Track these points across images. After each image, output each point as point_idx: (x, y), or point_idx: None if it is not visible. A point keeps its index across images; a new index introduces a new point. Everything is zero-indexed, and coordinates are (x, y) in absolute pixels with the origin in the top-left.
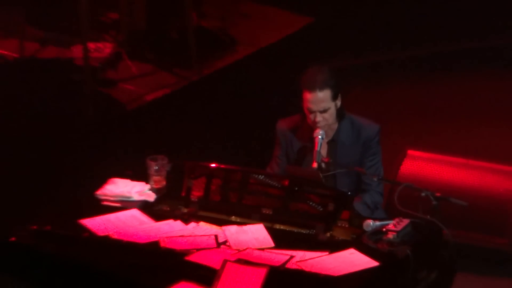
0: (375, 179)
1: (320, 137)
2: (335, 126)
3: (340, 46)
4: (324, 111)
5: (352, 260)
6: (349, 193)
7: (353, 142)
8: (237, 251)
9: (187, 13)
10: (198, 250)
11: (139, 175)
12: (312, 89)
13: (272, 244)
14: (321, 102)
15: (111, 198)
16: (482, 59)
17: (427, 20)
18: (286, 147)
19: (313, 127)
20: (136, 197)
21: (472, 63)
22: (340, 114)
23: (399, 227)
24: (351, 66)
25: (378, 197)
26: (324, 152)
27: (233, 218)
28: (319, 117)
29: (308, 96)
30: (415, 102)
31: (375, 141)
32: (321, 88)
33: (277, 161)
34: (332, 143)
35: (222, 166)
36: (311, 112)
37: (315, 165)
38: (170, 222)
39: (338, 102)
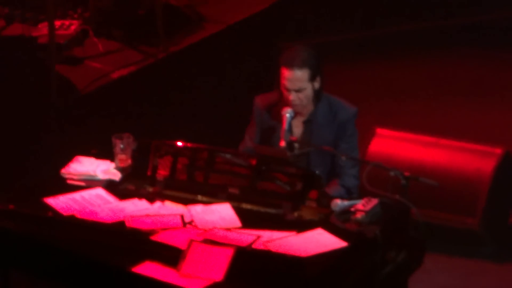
0: (343, 158)
1: (288, 115)
2: (311, 106)
3: (311, 23)
4: (300, 90)
5: (320, 240)
6: (317, 172)
7: (329, 122)
8: (203, 231)
9: None
10: (163, 229)
11: (105, 154)
12: (290, 66)
13: (239, 224)
14: (298, 81)
15: (76, 177)
16: (452, 37)
17: None
18: (261, 123)
19: (287, 104)
20: (101, 176)
21: (442, 41)
22: (317, 96)
23: (367, 207)
24: (321, 44)
25: (353, 181)
26: (299, 131)
27: (199, 197)
28: (293, 96)
29: (286, 73)
30: (384, 80)
31: (351, 123)
32: (300, 67)
33: (251, 136)
34: (307, 123)
35: (189, 144)
36: (287, 89)
37: (283, 143)
38: (135, 201)
39: (316, 84)
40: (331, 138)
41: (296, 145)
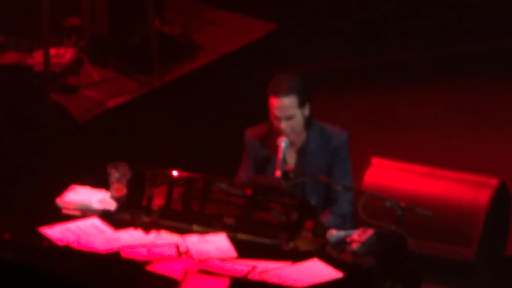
0: (339, 188)
1: (283, 144)
2: (303, 134)
3: (305, 53)
4: (290, 118)
5: (316, 271)
6: (313, 202)
7: (322, 150)
8: (198, 261)
9: (150, 19)
10: (159, 259)
11: (100, 183)
12: (277, 94)
13: (235, 254)
14: (286, 108)
15: (71, 206)
16: (446, 68)
17: (392, 28)
18: (254, 156)
19: (279, 134)
20: (96, 206)
21: (437, 72)
22: (309, 123)
23: (363, 237)
24: (315, 73)
25: (347, 207)
26: (292, 161)
27: (194, 227)
28: (284, 124)
29: (274, 102)
30: (379, 111)
31: (344, 149)
32: (287, 94)
33: (245, 170)
34: (300, 152)
35: (184, 174)
36: (277, 118)
37: (278, 173)
38: (131, 231)
39: (306, 111)
40: (324, 165)
41: (291, 174)
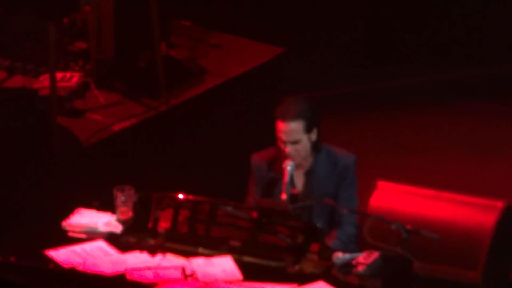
0: (345, 211)
1: (289, 167)
2: (311, 157)
3: (311, 76)
4: (296, 142)
5: None
6: (320, 225)
7: (329, 173)
8: (204, 284)
9: (156, 43)
10: (164, 282)
11: (106, 206)
12: (284, 119)
13: (240, 277)
14: (292, 133)
15: (77, 229)
16: (454, 91)
17: (398, 51)
18: (261, 180)
19: (285, 157)
20: (102, 228)
21: (444, 96)
22: (316, 147)
23: (369, 260)
24: (321, 97)
25: (352, 229)
26: (300, 183)
27: (200, 250)
28: (290, 148)
29: (280, 126)
30: (385, 134)
31: (351, 172)
32: (293, 119)
33: (253, 196)
34: (308, 175)
35: (190, 197)
36: (283, 142)
37: (284, 196)
38: (137, 253)
39: (313, 135)
40: (332, 188)
41: (297, 197)
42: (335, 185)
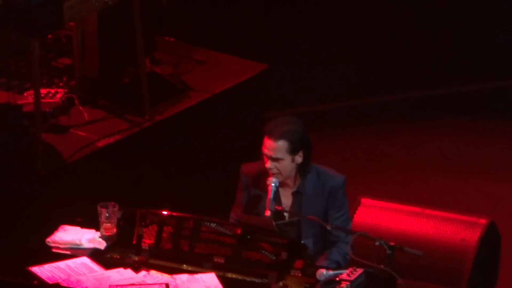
0: (329, 227)
1: (273, 184)
2: (298, 178)
3: (294, 92)
4: (277, 159)
5: None
6: (309, 244)
7: (318, 193)
8: None
9: (140, 59)
10: None
11: (90, 222)
12: (269, 135)
13: None
14: (275, 150)
15: (61, 246)
16: (436, 107)
17: (382, 67)
18: (247, 192)
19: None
20: (86, 245)
21: (427, 111)
22: (304, 170)
23: (352, 277)
24: (304, 113)
25: (346, 249)
26: (288, 203)
27: (184, 266)
28: (270, 164)
29: (265, 141)
30: (368, 151)
31: (340, 192)
32: (278, 138)
33: (240, 206)
34: (297, 194)
35: (174, 213)
36: (266, 156)
37: (268, 213)
38: (121, 270)
39: (299, 158)
40: (321, 209)
41: (285, 214)
42: (324, 205)
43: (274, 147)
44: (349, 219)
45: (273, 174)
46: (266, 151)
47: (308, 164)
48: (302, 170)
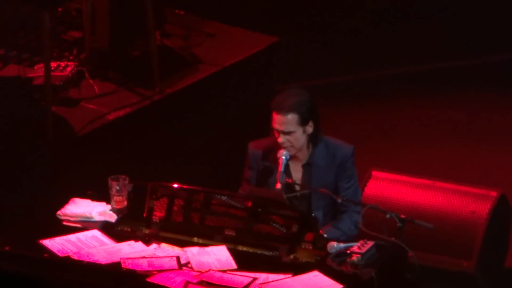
0: (339, 200)
1: (284, 157)
2: (309, 149)
3: (305, 65)
4: (289, 133)
5: (316, 283)
6: (319, 216)
7: (328, 164)
8: (199, 273)
9: (150, 32)
10: (159, 271)
11: (100, 195)
12: (279, 111)
13: (235, 266)
14: (286, 124)
15: (72, 219)
16: (447, 79)
17: (393, 39)
18: (257, 168)
19: (280, 147)
20: (97, 218)
21: (438, 84)
22: (314, 140)
23: (363, 249)
24: (315, 86)
25: (357, 216)
26: (299, 175)
27: (195, 239)
28: (282, 138)
29: (275, 116)
30: (380, 124)
31: (350, 162)
32: (287, 111)
33: (248, 184)
34: (307, 167)
35: (185, 186)
36: (277, 132)
37: (278, 186)
38: (131, 243)
39: (309, 128)
40: (331, 180)
41: (297, 187)
42: (334, 177)
43: (284, 121)
44: (358, 189)
45: (285, 148)
46: (277, 126)
47: (319, 133)
48: (313, 140)
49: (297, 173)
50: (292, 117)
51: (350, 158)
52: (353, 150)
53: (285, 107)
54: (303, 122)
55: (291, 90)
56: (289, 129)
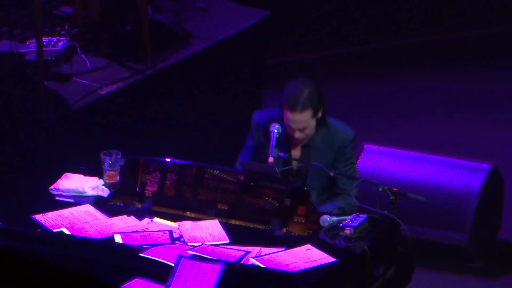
0: (331, 173)
1: (275, 131)
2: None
3: (297, 39)
4: (304, 128)
5: (309, 256)
6: (314, 194)
7: (327, 147)
8: (192, 247)
9: (142, 7)
10: (152, 246)
11: (93, 170)
12: (292, 109)
13: (228, 240)
14: (301, 121)
15: (64, 194)
16: (439, 52)
17: (384, 13)
18: (258, 138)
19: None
20: (89, 193)
21: (429, 57)
22: (322, 123)
23: (356, 223)
24: (307, 59)
25: (352, 201)
26: (297, 155)
27: (188, 213)
28: (298, 134)
29: (288, 115)
30: (372, 96)
31: (349, 148)
32: (302, 110)
33: (250, 152)
34: (306, 147)
35: (177, 161)
36: (291, 128)
37: (271, 160)
38: (124, 217)
39: (319, 114)
40: (329, 161)
41: (293, 162)
42: (332, 159)
43: (300, 119)
44: (355, 172)
45: (301, 140)
46: (293, 124)
47: (325, 116)
48: (320, 124)
49: (296, 152)
50: (307, 113)
51: (350, 143)
52: (353, 135)
53: (300, 105)
54: (315, 113)
55: (298, 84)
56: (305, 125)
